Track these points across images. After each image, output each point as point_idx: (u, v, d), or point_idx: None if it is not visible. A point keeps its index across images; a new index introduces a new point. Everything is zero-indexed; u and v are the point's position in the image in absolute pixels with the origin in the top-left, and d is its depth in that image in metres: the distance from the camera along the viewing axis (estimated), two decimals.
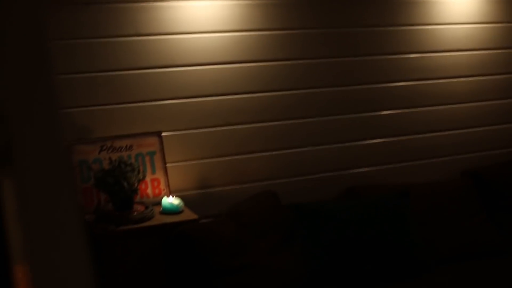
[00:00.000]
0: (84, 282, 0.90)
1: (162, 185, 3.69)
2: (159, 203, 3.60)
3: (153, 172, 3.68)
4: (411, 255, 3.72)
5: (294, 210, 3.75)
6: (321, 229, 3.67)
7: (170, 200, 3.54)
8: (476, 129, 4.65)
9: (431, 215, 4.05)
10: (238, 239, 3.38)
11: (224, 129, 3.88)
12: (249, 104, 3.91)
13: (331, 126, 4.17)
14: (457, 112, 4.56)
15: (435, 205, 4.10)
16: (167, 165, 3.73)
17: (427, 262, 3.78)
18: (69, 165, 0.94)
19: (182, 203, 3.57)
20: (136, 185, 3.41)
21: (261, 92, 3.95)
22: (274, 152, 4.03)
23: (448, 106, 4.52)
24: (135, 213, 3.39)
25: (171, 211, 3.52)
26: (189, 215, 3.52)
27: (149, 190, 3.66)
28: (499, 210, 4.40)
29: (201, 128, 3.83)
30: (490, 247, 4.06)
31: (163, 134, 3.72)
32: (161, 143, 3.70)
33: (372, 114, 4.28)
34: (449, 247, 3.97)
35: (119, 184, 3.33)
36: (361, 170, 4.27)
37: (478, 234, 4.09)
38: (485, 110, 4.67)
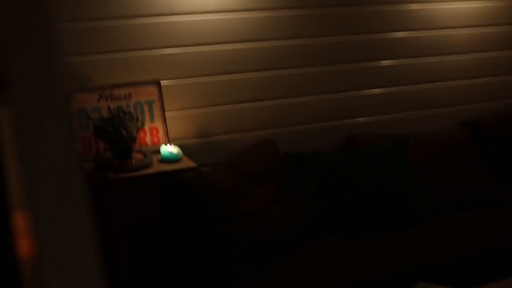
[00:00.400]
0: (83, 226, 0.90)
1: (161, 134, 3.70)
2: (158, 151, 3.61)
3: (152, 120, 3.68)
4: (408, 205, 3.74)
5: (293, 159, 3.76)
6: (319, 179, 3.68)
7: (169, 149, 3.55)
8: (476, 80, 4.64)
9: (429, 165, 4.06)
10: (236, 187, 3.39)
11: (223, 78, 3.87)
12: (248, 53, 3.89)
13: (331, 76, 4.15)
14: (458, 62, 4.54)
15: (433, 156, 4.11)
16: (166, 113, 3.73)
17: (425, 212, 3.80)
18: (65, 107, 0.94)
19: (180, 152, 3.58)
20: (134, 133, 3.42)
21: (260, 41, 3.92)
22: (273, 101, 4.03)
23: (449, 57, 4.49)
24: (134, 161, 3.40)
25: (170, 159, 3.53)
26: (187, 163, 3.54)
27: (147, 139, 3.67)
28: (497, 161, 4.42)
29: (200, 76, 3.82)
30: (487, 198, 4.08)
31: (162, 83, 3.71)
32: (160, 91, 3.69)
33: (372, 64, 4.27)
34: (447, 198, 3.99)
35: (118, 133, 3.34)
36: (361, 120, 4.27)
37: (475, 185, 4.10)
38: (486, 61, 4.64)
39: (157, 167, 3.46)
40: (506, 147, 4.46)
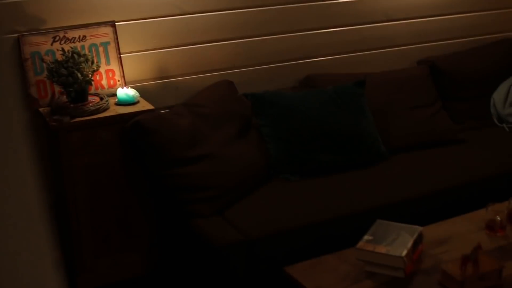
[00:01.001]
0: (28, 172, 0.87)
1: (117, 76, 3.65)
2: (115, 94, 3.57)
3: (108, 63, 3.62)
4: (367, 144, 3.76)
5: (251, 100, 3.74)
6: (278, 119, 3.68)
7: (125, 91, 3.51)
8: (434, 18, 4.62)
9: (388, 104, 4.07)
10: (194, 129, 3.38)
11: (180, 18, 3.80)
12: None
13: (289, 15, 4.11)
14: (416, 0, 4.52)
15: (392, 94, 4.12)
16: (122, 55, 3.67)
17: (384, 151, 3.84)
18: None
19: (137, 94, 3.54)
20: (90, 76, 3.37)
21: None
22: (231, 42, 3.98)
23: None
24: (90, 105, 3.36)
25: (127, 102, 3.50)
26: (145, 105, 3.51)
27: (104, 82, 3.62)
28: (455, 99, 4.45)
29: (156, 17, 3.75)
30: (446, 136, 4.12)
31: (117, 23, 3.64)
32: (115, 33, 3.63)
33: (330, 2, 4.22)
34: (406, 136, 4.02)
35: (73, 76, 3.28)
36: (319, 59, 4.25)
37: (434, 123, 4.14)
38: None
39: (114, 110, 3.42)
40: (463, 85, 4.49)
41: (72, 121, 3.27)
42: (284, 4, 4.07)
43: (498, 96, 4.56)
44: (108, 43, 3.60)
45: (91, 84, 3.42)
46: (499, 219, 2.91)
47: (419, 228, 2.75)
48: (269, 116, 3.70)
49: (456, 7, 4.68)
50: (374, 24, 4.39)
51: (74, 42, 3.52)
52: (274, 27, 4.07)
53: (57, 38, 3.48)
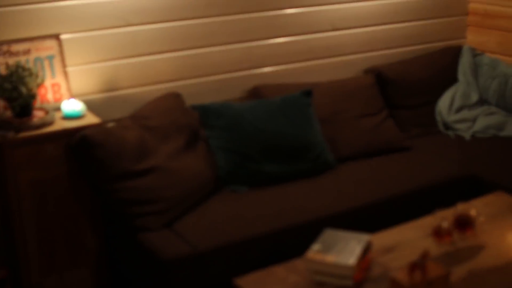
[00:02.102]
0: None
1: (63, 90, 3.61)
2: (60, 108, 3.52)
3: (53, 76, 3.57)
4: (315, 154, 3.78)
5: (199, 111, 3.74)
6: (226, 130, 3.68)
7: (71, 105, 3.47)
8: (379, 28, 4.68)
9: (335, 113, 4.10)
10: (142, 142, 3.35)
11: (126, 30, 3.78)
12: (151, 3, 3.80)
13: (236, 26, 4.11)
14: (361, 10, 4.56)
15: (339, 103, 4.16)
16: (68, 69, 3.63)
17: (331, 160, 3.86)
18: None
19: (84, 108, 3.51)
20: (34, 90, 3.33)
21: None
22: (178, 53, 3.97)
23: (352, 4, 4.51)
24: (35, 119, 3.31)
25: (73, 115, 3.46)
26: (91, 119, 3.47)
27: (49, 95, 3.57)
28: (401, 107, 4.50)
29: (102, 29, 3.72)
30: (392, 144, 4.16)
31: (63, 36, 3.60)
32: (60, 46, 3.58)
33: (276, 13, 4.24)
34: (353, 145, 4.05)
35: (17, 90, 3.24)
36: (266, 70, 4.26)
37: (381, 132, 4.18)
38: (389, 8, 4.68)
39: (60, 124, 3.38)
40: (409, 93, 4.54)
41: (17, 136, 3.22)
42: (230, 15, 4.07)
43: (443, 103, 4.63)
44: (53, 56, 3.56)
45: (35, 98, 3.37)
46: (445, 225, 2.94)
47: (367, 237, 2.76)
48: (216, 128, 3.69)
49: (400, 16, 4.75)
50: (320, 34, 4.42)
51: (18, 56, 3.47)
52: (221, 38, 4.07)
53: (1, 52, 3.43)
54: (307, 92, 3.89)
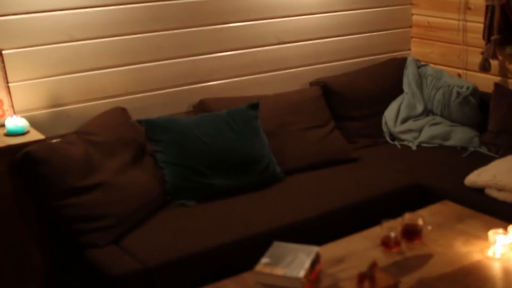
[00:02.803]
0: None
1: (6, 106, 3.55)
2: (4, 125, 3.46)
3: None
4: (262, 166, 3.77)
5: (145, 125, 3.71)
6: (172, 145, 3.65)
7: (15, 121, 3.42)
8: (325, 40, 4.71)
9: (280, 125, 4.11)
10: (87, 158, 3.31)
11: (69, 45, 3.73)
12: (96, 18, 3.77)
13: (181, 40, 4.09)
14: (306, 23, 4.59)
15: (286, 116, 4.16)
16: (11, 84, 3.57)
17: (279, 173, 3.86)
18: None
19: (27, 124, 3.45)
20: None
21: (107, 6, 3.80)
22: (123, 68, 3.93)
23: (297, 18, 4.53)
24: None
25: (16, 132, 3.40)
26: (35, 135, 3.42)
27: None
28: (347, 119, 4.53)
29: (45, 44, 3.66)
30: (340, 155, 4.19)
31: (5, 52, 3.54)
32: (2, 61, 3.52)
33: (221, 27, 4.24)
34: (300, 157, 4.06)
35: None
36: (212, 84, 4.25)
37: (328, 143, 4.20)
38: (334, 21, 4.72)
39: (3, 141, 3.32)
40: (355, 105, 4.58)
41: None
42: (175, 29, 4.06)
43: (389, 114, 4.68)
44: None
45: None
46: (393, 235, 2.96)
47: (315, 248, 2.76)
48: (163, 142, 3.67)
49: (346, 29, 4.79)
50: (266, 47, 4.44)
51: None
52: (166, 52, 4.05)
53: None
54: (254, 105, 3.89)
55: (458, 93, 4.54)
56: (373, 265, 2.57)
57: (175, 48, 4.07)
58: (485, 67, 4.63)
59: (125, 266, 2.99)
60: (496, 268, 2.84)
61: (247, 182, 3.73)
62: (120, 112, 3.76)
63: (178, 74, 4.11)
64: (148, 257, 3.06)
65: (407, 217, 3.06)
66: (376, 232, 3.07)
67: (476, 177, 3.77)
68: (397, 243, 2.97)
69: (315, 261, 2.73)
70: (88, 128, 3.57)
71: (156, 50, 4.01)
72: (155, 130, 3.68)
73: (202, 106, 4.09)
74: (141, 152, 3.65)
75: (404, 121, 4.63)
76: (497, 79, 4.66)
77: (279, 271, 2.60)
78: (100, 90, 3.86)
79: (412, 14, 5.12)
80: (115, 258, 3.08)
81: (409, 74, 4.81)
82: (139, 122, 3.73)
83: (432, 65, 4.97)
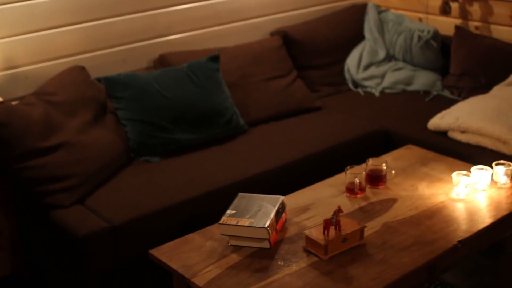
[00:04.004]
0: None
1: None
2: None
3: None
4: (225, 118, 3.76)
5: (105, 83, 3.66)
6: (133, 101, 3.61)
7: None
8: None
9: (243, 77, 4.08)
10: (48, 118, 3.26)
11: (23, 4, 3.63)
12: None
13: None
14: None
15: (248, 67, 4.14)
16: None
17: (243, 124, 3.85)
18: None
19: None
20: None
21: None
22: (79, 26, 3.85)
23: None
24: None
25: None
26: None
27: None
28: (309, 67, 4.52)
29: None
30: (303, 104, 4.18)
31: None
32: None
33: None
34: (264, 108, 4.05)
35: None
36: (172, 38, 4.20)
37: (291, 93, 4.18)
38: None
39: None
40: (317, 53, 4.56)
41: None
42: None
43: (351, 61, 4.67)
44: None
45: None
46: (358, 181, 2.97)
47: (281, 198, 2.76)
48: (124, 99, 3.62)
49: None
50: None
51: None
52: (123, 7, 3.98)
53: None
54: (215, 57, 3.86)
55: (420, 37, 4.54)
56: (338, 211, 2.57)
57: (132, 3, 4.00)
58: (445, 10, 4.64)
59: (91, 225, 2.97)
60: (459, 209, 2.87)
61: (211, 135, 3.71)
62: (79, 70, 3.71)
63: (136, 30, 4.05)
64: (114, 215, 3.04)
65: (371, 162, 3.08)
66: (341, 179, 3.09)
67: (439, 120, 3.80)
68: (361, 189, 2.98)
69: (281, 210, 2.73)
70: (47, 88, 3.51)
71: (113, 5, 3.94)
72: (115, 87, 3.64)
73: (162, 61, 4.05)
74: (102, 110, 3.61)
75: (367, 67, 4.63)
76: (458, 21, 4.66)
77: (244, 221, 2.60)
78: (57, 50, 3.79)
79: None
80: (81, 217, 3.05)
81: (370, 20, 4.79)
82: (99, 80, 3.68)
83: (393, 10, 4.95)
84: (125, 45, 4.03)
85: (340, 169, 3.16)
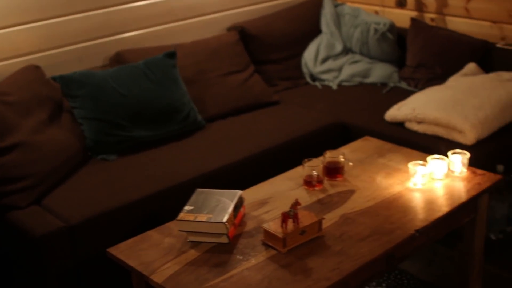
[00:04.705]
0: None
1: None
2: None
3: None
4: (182, 115, 3.75)
5: (60, 82, 3.62)
6: (89, 99, 3.59)
7: None
8: None
9: (200, 72, 4.07)
10: (2, 118, 3.21)
11: None
12: None
13: None
14: None
15: (205, 63, 4.13)
16: None
17: (200, 120, 3.84)
18: None
19: None
20: None
21: None
22: (34, 24, 3.81)
23: None
24: None
25: None
26: None
27: None
28: (267, 62, 4.52)
29: None
30: (261, 99, 4.19)
31: None
32: None
33: None
34: (222, 103, 4.05)
35: None
36: (128, 35, 4.17)
37: (249, 88, 4.18)
38: None
39: None
40: (274, 48, 4.57)
41: None
42: None
43: (308, 55, 4.68)
44: None
45: None
46: (315, 174, 2.98)
47: (239, 192, 2.76)
48: (79, 97, 3.59)
49: None
50: None
51: None
52: (77, 5, 3.94)
53: None
54: (171, 53, 3.84)
55: (376, 30, 4.57)
56: (296, 204, 2.58)
57: (87, 0, 3.96)
58: (401, 3, 4.68)
59: (48, 226, 2.94)
60: (416, 198, 2.89)
61: (168, 132, 3.70)
62: (34, 70, 3.66)
63: (91, 27, 4.02)
64: (71, 214, 3.01)
65: (328, 155, 3.09)
66: (299, 172, 3.09)
67: (396, 112, 3.82)
68: (319, 181, 2.99)
69: (239, 205, 2.73)
70: (1, 88, 3.45)
71: (67, 3, 3.90)
72: (70, 86, 3.60)
73: (118, 59, 4.02)
74: (58, 109, 3.58)
75: (324, 61, 4.64)
76: (413, 14, 4.71)
77: (202, 217, 2.59)
78: (11, 49, 3.74)
79: None
80: (37, 218, 3.02)
81: (326, 14, 4.81)
82: (54, 79, 3.64)
83: (349, 4, 4.98)
84: (80, 43, 4.00)
85: (298, 162, 3.16)
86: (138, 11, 4.19)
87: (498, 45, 4.26)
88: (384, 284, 3.39)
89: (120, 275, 2.83)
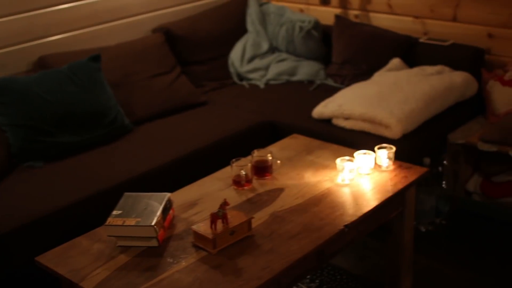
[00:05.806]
0: None
1: None
2: None
3: None
4: (109, 119, 3.71)
5: None
6: (12, 105, 3.52)
7: None
8: None
9: (125, 75, 4.04)
10: None
11: None
12: None
13: None
14: None
15: (130, 65, 4.09)
16: None
17: (126, 123, 3.81)
18: None
19: None
20: None
21: None
22: None
23: None
24: None
25: None
26: None
27: None
28: (193, 63, 4.51)
29: None
30: (188, 100, 4.18)
31: None
32: None
33: None
34: (148, 106, 4.02)
35: None
36: (50, 39, 4.10)
37: (176, 89, 4.17)
38: None
39: None
40: (200, 48, 4.56)
41: None
42: None
43: (235, 55, 4.69)
44: None
45: None
46: (244, 173, 2.98)
47: (167, 195, 2.74)
48: (2, 104, 3.52)
49: None
50: None
51: None
52: None
53: None
54: (95, 57, 3.80)
55: (301, 28, 4.60)
56: (224, 205, 2.57)
57: (6, 4, 3.89)
58: (325, 1, 4.71)
59: None
60: (345, 194, 2.92)
61: (95, 137, 3.66)
62: None
63: (13, 32, 3.94)
64: None
65: (256, 154, 3.09)
66: (228, 172, 3.09)
67: (323, 108, 3.86)
68: (248, 180, 2.99)
69: (168, 207, 2.71)
70: None
71: None
72: None
73: (42, 63, 3.95)
74: None
75: (251, 60, 4.66)
76: (338, 11, 4.76)
77: (131, 221, 2.57)
78: None
79: None
80: None
81: (252, 13, 4.82)
82: None
83: (274, 2, 5.01)
84: (2, 49, 3.92)
85: (228, 163, 3.15)
86: (61, 14, 4.13)
87: (421, 40, 4.34)
88: (317, 281, 3.41)
89: (52, 284, 2.78)
